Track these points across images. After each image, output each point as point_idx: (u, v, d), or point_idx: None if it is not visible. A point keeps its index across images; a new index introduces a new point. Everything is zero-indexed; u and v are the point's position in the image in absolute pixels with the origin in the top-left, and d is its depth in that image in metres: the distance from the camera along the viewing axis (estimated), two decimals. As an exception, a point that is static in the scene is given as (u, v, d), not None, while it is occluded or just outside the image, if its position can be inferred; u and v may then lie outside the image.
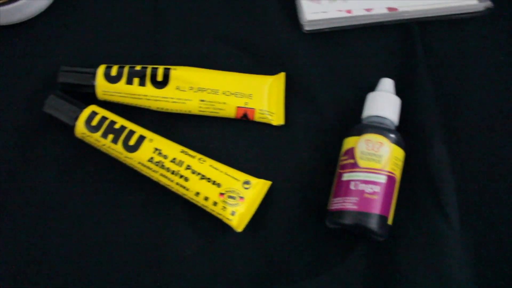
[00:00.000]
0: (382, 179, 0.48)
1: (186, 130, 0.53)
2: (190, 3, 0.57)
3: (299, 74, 0.54)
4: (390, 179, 0.48)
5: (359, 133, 0.49)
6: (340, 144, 0.51)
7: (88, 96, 0.52)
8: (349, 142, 0.50)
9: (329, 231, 0.50)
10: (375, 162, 0.48)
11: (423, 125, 0.52)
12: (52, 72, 0.53)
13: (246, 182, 0.50)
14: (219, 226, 0.50)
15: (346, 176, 0.48)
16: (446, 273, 0.48)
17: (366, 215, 0.47)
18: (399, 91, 0.52)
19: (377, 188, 0.47)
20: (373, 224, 0.47)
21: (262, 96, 0.52)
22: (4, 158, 0.52)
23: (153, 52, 0.55)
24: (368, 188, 0.47)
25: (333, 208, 0.48)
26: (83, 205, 0.50)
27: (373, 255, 0.49)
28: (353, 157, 0.49)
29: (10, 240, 0.49)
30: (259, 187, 0.50)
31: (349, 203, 0.47)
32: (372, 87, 0.52)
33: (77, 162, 0.52)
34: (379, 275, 0.49)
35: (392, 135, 0.49)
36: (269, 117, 0.53)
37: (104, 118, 0.50)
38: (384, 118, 0.50)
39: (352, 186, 0.48)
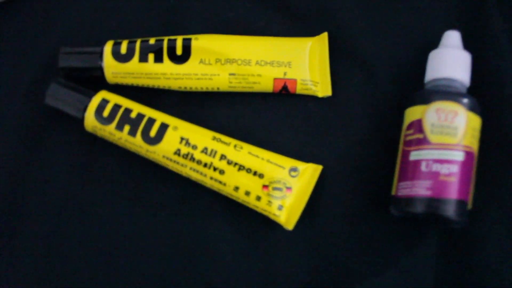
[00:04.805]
0: (459, 156, 0.40)
1: (216, 112, 0.45)
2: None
3: (345, 33, 0.46)
4: (469, 155, 0.40)
5: (426, 101, 0.41)
6: (400, 115, 0.43)
7: (97, 81, 0.45)
8: (413, 112, 0.42)
9: (393, 219, 0.43)
10: (450, 136, 0.40)
11: (500, 83, 0.44)
12: (52, 55, 0.45)
13: (293, 169, 0.42)
14: (265, 224, 0.43)
15: (414, 155, 0.40)
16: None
17: (442, 201, 0.39)
18: (466, 45, 0.44)
19: (454, 168, 0.39)
20: (451, 211, 0.39)
21: (303, 63, 0.45)
22: (9, 160, 0.45)
23: (170, 20, 0.47)
24: (444, 169, 0.39)
25: (400, 194, 0.41)
26: (105, 208, 0.44)
27: (447, 244, 0.43)
28: (421, 130, 0.40)
29: (31, 248, 0.43)
30: (308, 174, 0.43)
31: (420, 188, 0.39)
32: (434, 43, 0.44)
33: (93, 159, 0.45)
34: (455, 267, 0.42)
35: (466, 100, 0.41)
36: (314, 88, 0.45)
37: (117, 106, 0.42)
38: (454, 80, 0.42)
39: (423, 167, 0.40)
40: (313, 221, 0.43)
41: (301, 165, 0.43)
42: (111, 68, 0.44)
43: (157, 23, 0.47)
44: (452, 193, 0.39)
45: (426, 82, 0.43)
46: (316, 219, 0.43)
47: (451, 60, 0.42)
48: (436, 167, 0.39)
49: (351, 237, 0.43)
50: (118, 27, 0.47)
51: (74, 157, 0.45)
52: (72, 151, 0.45)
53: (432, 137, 0.40)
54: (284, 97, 0.46)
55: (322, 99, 0.45)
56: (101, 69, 0.44)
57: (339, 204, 0.44)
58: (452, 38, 0.43)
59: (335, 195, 0.44)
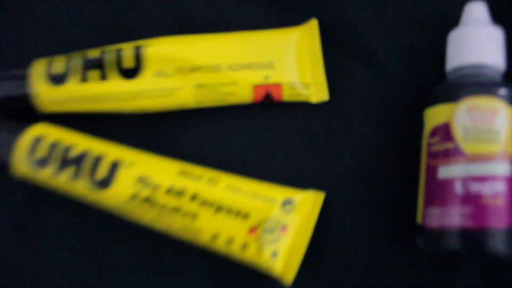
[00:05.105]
0: (505, 168, 0.31)
1: (183, 136, 0.37)
2: None
3: (340, 18, 0.37)
4: (516, 165, 0.31)
5: (452, 97, 0.32)
6: (419, 118, 0.35)
7: (32, 111, 0.36)
8: (437, 114, 0.33)
9: (422, 254, 0.35)
10: (490, 142, 0.31)
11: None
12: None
13: (287, 202, 0.33)
14: (256, 278, 0.35)
15: (443, 172, 0.31)
16: None
17: (487, 234, 0.30)
18: (495, 19, 0.35)
19: (499, 186, 0.30)
20: (499, 245, 0.30)
21: (288, 62, 0.36)
22: None
23: (116, 23, 0.38)
24: (486, 189, 0.30)
25: (429, 224, 0.32)
26: (54, 268, 0.35)
27: (494, 282, 0.34)
28: (450, 138, 0.32)
29: None
30: (307, 205, 0.34)
31: (456, 216, 0.31)
32: (454, 20, 0.36)
33: (34, 212, 0.36)
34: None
35: (505, 91, 0.32)
36: (305, 92, 0.36)
37: (54, 144, 0.34)
38: (484, 66, 0.33)
39: (458, 188, 0.31)
40: (319, 267, 0.35)
41: (297, 195, 0.34)
42: (44, 94, 0.35)
43: (100, 29, 0.38)
44: (500, 220, 0.30)
45: (448, 72, 0.34)
46: (322, 263, 0.35)
47: (478, 41, 0.34)
48: (475, 187, 0.30)
49: (369, 282, 0.35)
50: (51, 37, 0.38)
51: (10, 211, 0.36)
52: (6, 204, 0.36)
53: (466, 146, 0.31)
54: (268, 107, 0.37)
55: (318, 105, 0.37)
56: (31, 97, 0.35)
57: (351, 240, 0.35)
58: (476, 11, 0.35)
59: (344, 229, 0.35)
